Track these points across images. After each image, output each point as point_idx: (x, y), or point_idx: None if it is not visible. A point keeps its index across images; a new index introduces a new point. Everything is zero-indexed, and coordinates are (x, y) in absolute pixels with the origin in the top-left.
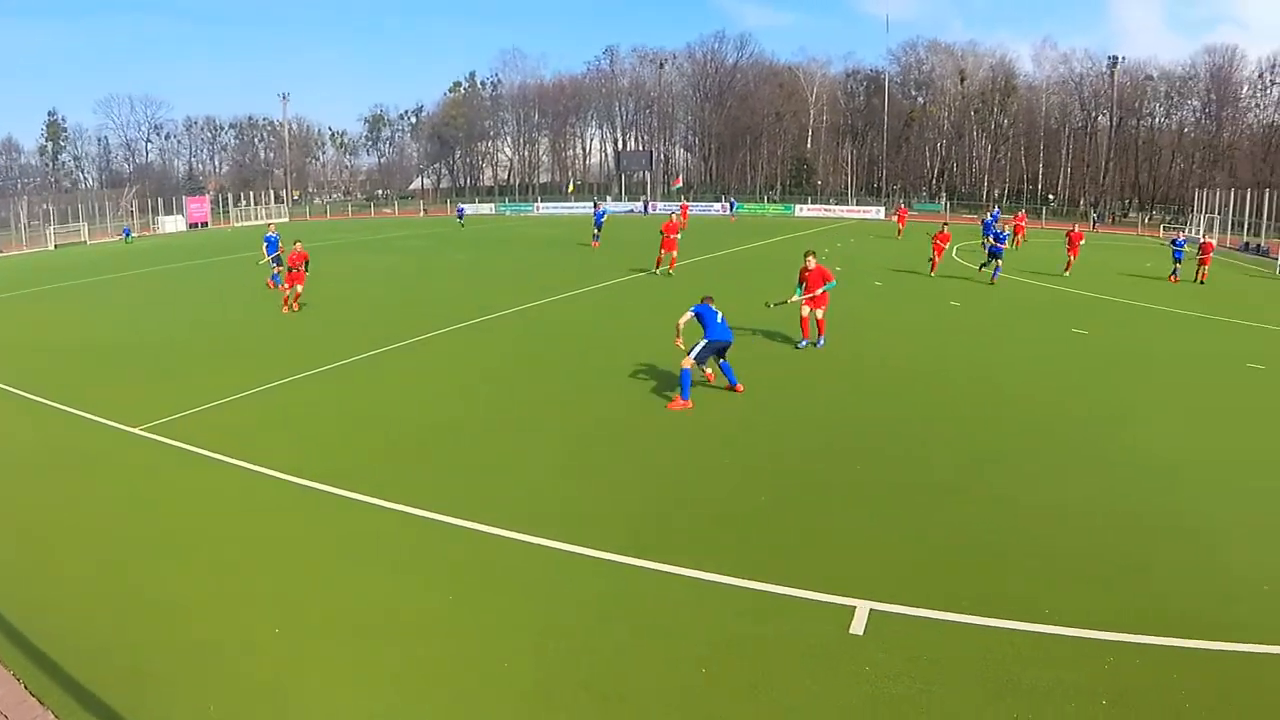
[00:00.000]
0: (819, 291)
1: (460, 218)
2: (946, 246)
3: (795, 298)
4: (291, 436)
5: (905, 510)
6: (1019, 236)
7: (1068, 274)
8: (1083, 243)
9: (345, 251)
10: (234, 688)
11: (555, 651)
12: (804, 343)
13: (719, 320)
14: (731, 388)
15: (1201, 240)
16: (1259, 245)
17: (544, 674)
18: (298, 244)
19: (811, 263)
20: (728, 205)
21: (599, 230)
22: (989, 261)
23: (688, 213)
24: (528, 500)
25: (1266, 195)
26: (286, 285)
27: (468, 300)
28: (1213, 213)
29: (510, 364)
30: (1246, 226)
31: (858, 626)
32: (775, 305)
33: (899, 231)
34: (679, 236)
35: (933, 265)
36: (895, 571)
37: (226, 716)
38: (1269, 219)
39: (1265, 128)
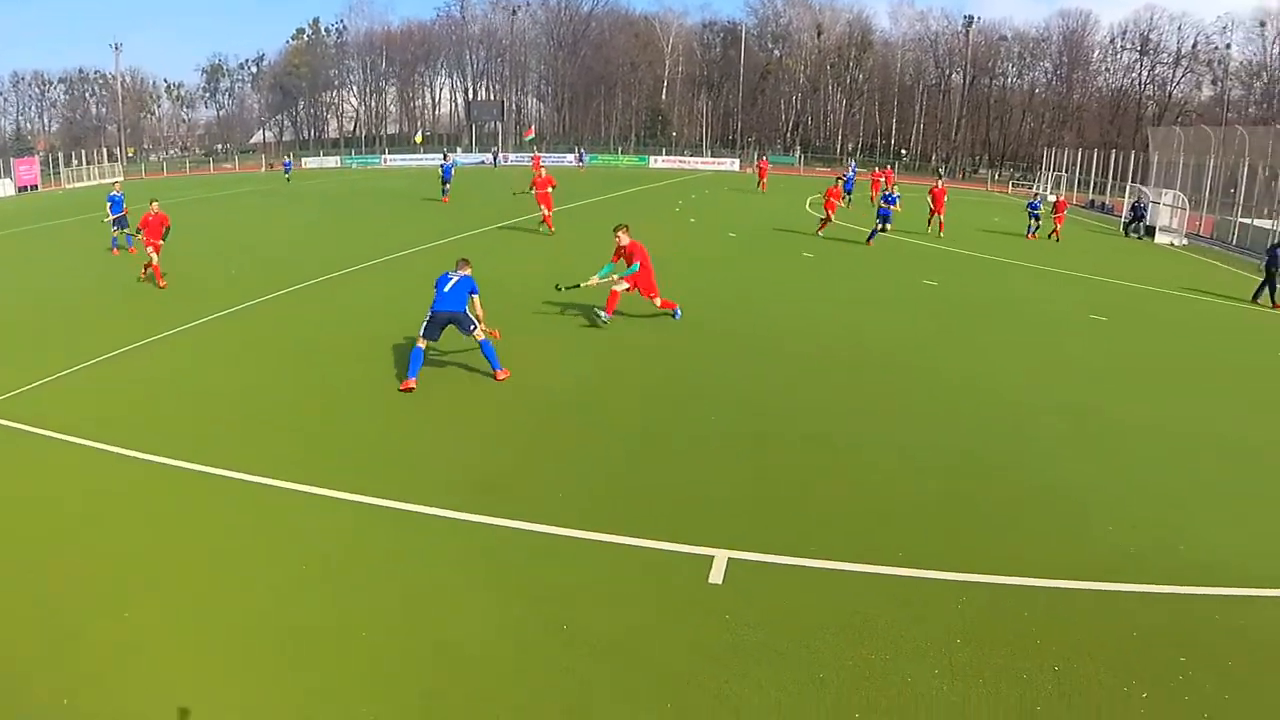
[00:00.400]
0: (627, 273)
1: (287, 171)
2: (840, 205)
3: (595, 280)
4: (129, 409)
5: (762, 460)
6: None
7: (942, 234)
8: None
9: (183, 210)
10: (84, 672)
11: (408, 613)
12: (603, 316)
13: (446, 289)
14: (493, 373)
15: (1056, 199)
16: (1104, 203)
17: (391, 637)
18: (154, 204)
19: (624, 239)
20: (579, 155)
21: (448, 184)
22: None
23: (540, 164)
24: (371, 464)
25: (1112, 156)
26: (150, 250)
27: (309, 259)
28: (1060, 171)
29: (352, 325)
30: (1093, 185)
31: (716, 576)
32: (566, 289)
33: (760, 185)
34: (551, 192)
35: (822, 224)
36: (753, 521)
37: (81, 701)
38: (1114, 178)
39: (1114, 91)
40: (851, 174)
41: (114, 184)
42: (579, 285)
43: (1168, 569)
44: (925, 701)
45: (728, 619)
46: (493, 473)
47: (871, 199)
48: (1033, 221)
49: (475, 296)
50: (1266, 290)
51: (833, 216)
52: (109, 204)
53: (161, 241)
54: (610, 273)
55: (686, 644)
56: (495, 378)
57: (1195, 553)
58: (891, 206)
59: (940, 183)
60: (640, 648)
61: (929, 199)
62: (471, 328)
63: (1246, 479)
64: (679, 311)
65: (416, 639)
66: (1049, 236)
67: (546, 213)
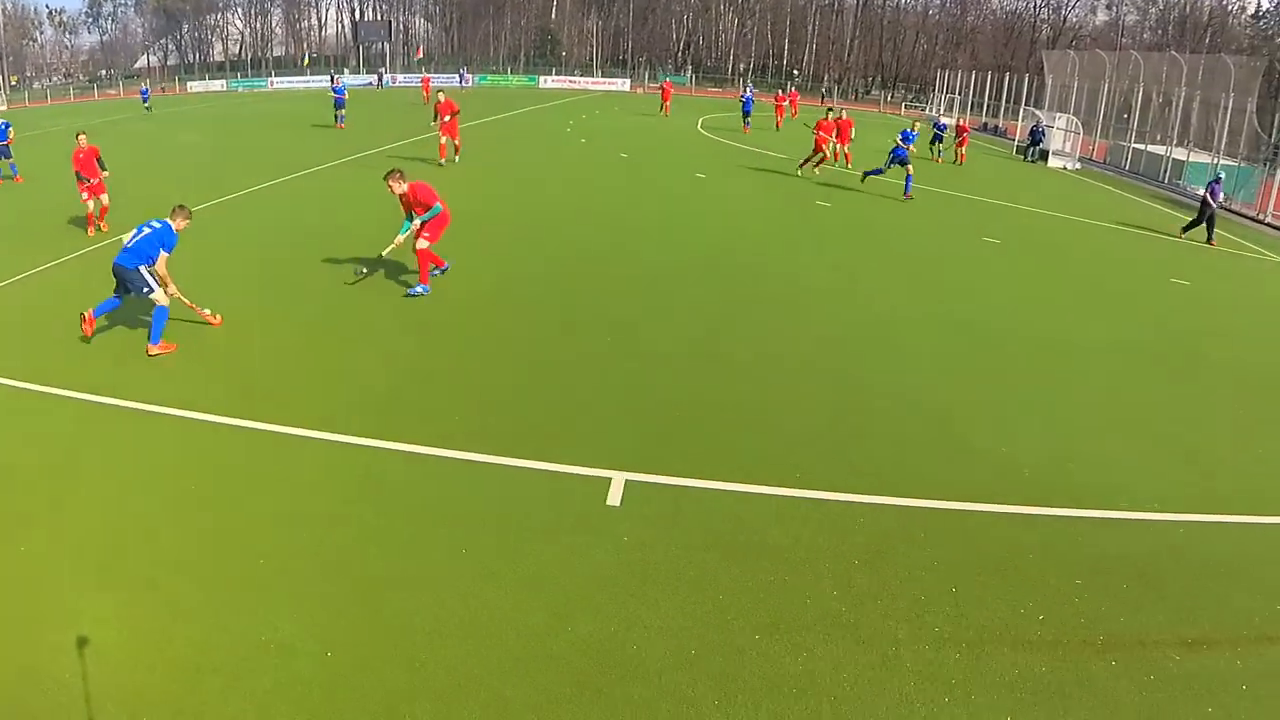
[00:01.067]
0: (427, 218)
1: (145, 100)
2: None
3: (399, 240)
4: (22, 340)
5: (655, 380)
6: (785, 114)
7: (850, 166)
8: (853, 131)
9: (66, 139)
10: None
11: (303, 540)
12: (417, 289)
13: (131, 242)
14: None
15: (957, 122)
16: (997, 126)
17: (294, 562)
18: (81, 138)
19: (399, 186)
20: (461, 76)
21: (341, 110)
22: (891, 166)
23: (430, 86)
24: (270, 390)
25: (1006, 78)
26: (88, 198)
27: (200, 182)
28: (954, 94)
29: (243, 252)
30: (986, 108)
31: (614, 498)
32: (366, 273)
33: (663, 108)
34: (454, 118)
35: (810, 161)
36: (648, 442)
37: None
38: (1007, 101)
39: (1008, 14)
40: (749, 96)
41: None
42: (381, 256)
43: (1060, 491)
44: (824, 623)
45: (625, 540)
46: (383, 395)
47: (778, 125)
48: (937, 145)
49: (165, 255)
50: (1204, 226)
51: (826, 152)
52: None
53: (105, 175)
54: (410, 228)
55: (583, 564)
56: (149, 351)
57: (1087, 475)
58: (908, 146)
59: (844, 113)
60: (538, 568)
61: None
62: (146, 290)
63: (1132, 398)
64: (421, 288)
65: (315, 560)
66: (956, 163)
67: (443, 141)
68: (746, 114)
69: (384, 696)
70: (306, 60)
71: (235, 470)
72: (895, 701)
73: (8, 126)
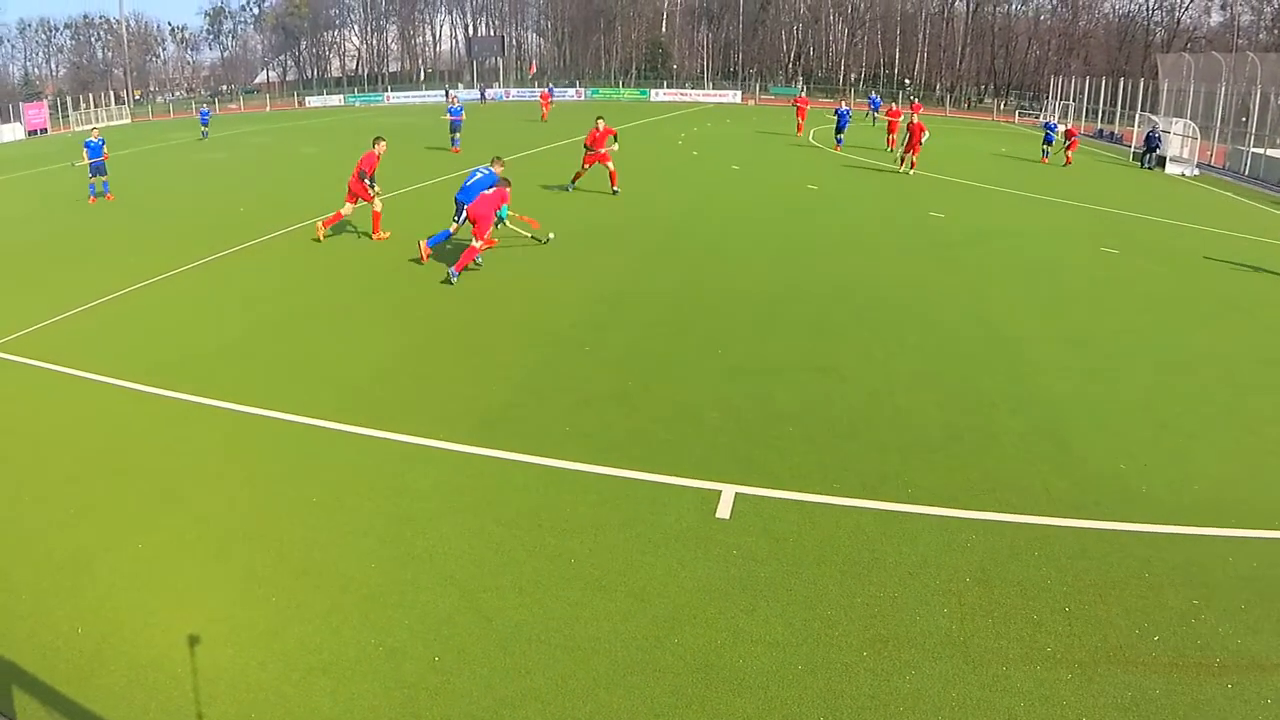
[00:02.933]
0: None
1: (204, 123)
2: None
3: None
4: (139, 345)
5: (766, 392)
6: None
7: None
8: (925, 138)
9: (196, 148)
10: (99, 604)
11: (414, 546)
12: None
13: (470, 181)
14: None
15: (1068, 126)
16: (1112, 132)
17: (404, 568)
18: (380, 145)
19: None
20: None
21: (457, 133)
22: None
23: (549, 101)
24: (376, 396)
25: (1120, 83)
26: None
27: (318, 195)
28: (1067, 99)
29: (356, 259)
30: (1101, 114)
31: (724, 511)
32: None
33: (798, 128)
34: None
35: (907, 160)
36: (759, 454)
37: (94, 634)
38: (1122, 106)
39: (1121, 17)
40: (845, 110)
41: (91, 130)
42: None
43: (1179, 509)
44: (934, 640)
45: (735, 554)
46: (495, 404)
47: (890, 144)
48: (1046, 146)
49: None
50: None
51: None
52: (85, 150)
53: (370, 183)
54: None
55: (692, 577)
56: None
57: (1207, 492)
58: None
59: (915, 118)
60: (646, 581)
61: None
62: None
63: (1258, 413)
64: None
65: (425, 566)
66: (1063, 165)
67: (612, 169)
68: (841, 130)
69: (490, 704)
70: (423, 75)
71: (350, 476)
72: None
73: (102, 144)
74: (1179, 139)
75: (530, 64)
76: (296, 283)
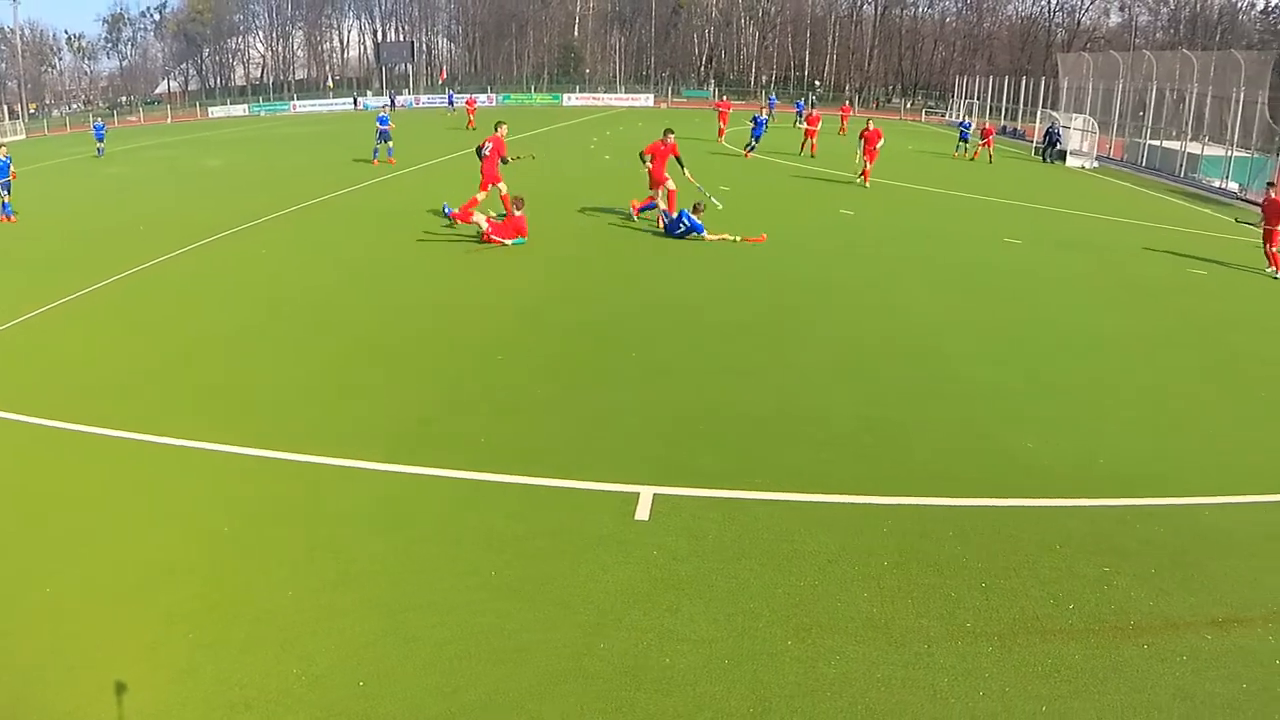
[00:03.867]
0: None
1: (99, 138)
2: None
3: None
4: (38, 377)
5: (682, 394)
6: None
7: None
8: (881, 144)
9: (93, 165)
10: (9, 655)
11: (328, 570)
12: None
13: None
14: None
15: (985, 125)
16: (1015, 129)
17: (322, 594)
18: (502, 128)
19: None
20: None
21: (388, 142)
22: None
23: (475, 107)
24: (288, 419)
25: (1023, 82)
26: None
27: (223, 211)
28: (972, 98)
29: (264, 278)
30: (1004, 111)
31: (642, 513)
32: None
33: (719, 133)
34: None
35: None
36: (676, 455)
37: (8, 686)
38: (1024, 104)
39: (1023, 18)
40: (762, 119)
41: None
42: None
43: (1087, 482)
44: (856, 624)
45: (655, 554)
46: (410, 424)
47: (813, 151)
48: (962, 143)
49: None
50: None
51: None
52: None
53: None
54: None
55: (614, 581)
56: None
57: (1113, 465)
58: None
59: (871, 124)
60: (568, 587)
61: (861, 141)
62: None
63: (1156, 387)
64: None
65: (342, 590)
66: (970, 159)
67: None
68: (756, 138)
69: None
70: (331, 83)
71: (264, 503)
72: (929, 699)
73: (9, 162)
74: (1079, 133)
75: (441, 70)
76: (202, 304)
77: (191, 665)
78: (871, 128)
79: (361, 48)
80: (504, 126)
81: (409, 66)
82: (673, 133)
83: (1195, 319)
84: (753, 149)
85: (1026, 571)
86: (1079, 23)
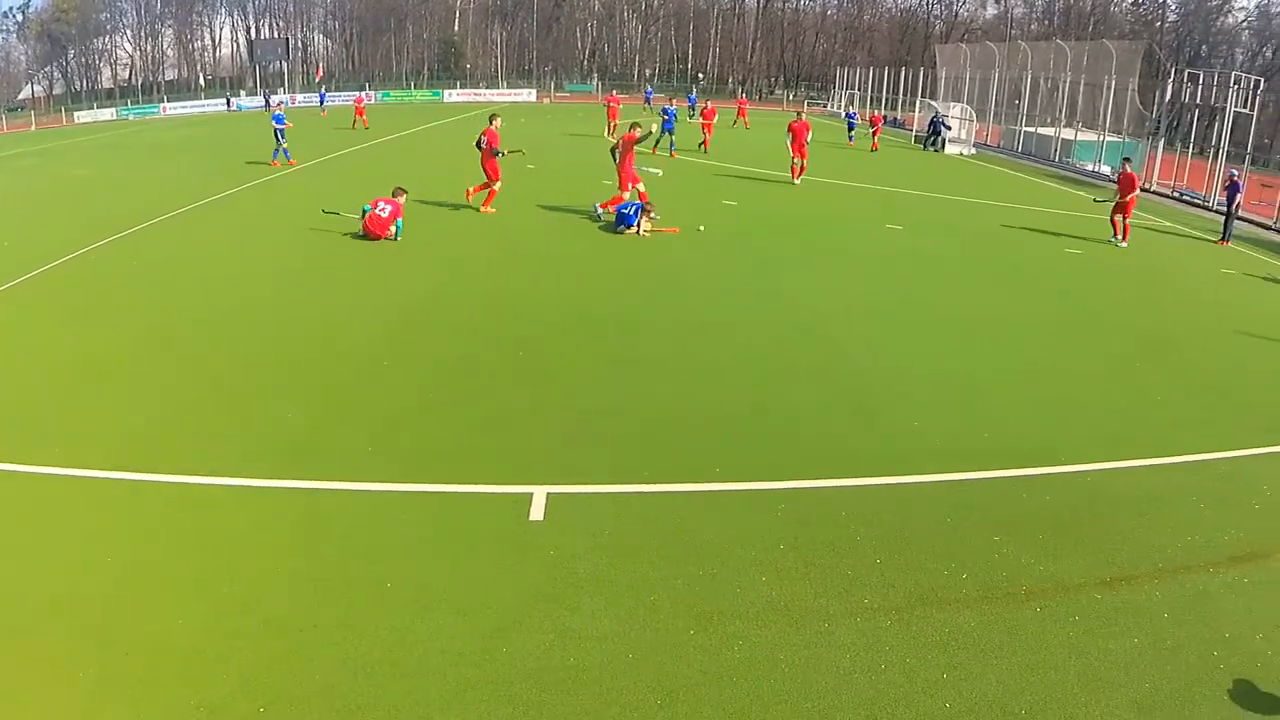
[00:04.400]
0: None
1: None
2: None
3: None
4: None
5: (572, 391)
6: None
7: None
8: (809, 137)
9: None
10: None
11: (224, 595)
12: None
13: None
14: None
15: (872, 114)
16: (896, 118)
17: (220, 620)
18: (496, 121)
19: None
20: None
21: (284, 142)
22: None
23: (363, 105)
24: (172, 440)
25: (903, 73)
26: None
27: (93, 223)
28: (854, 89)
29: (141, 292)
30: (884, 102)
31: (537, 513)
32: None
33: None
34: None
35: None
36: (570, 453)
37: None
38: (905, 94)
39: (903, 11)
40: (672, 110)
41: None
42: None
43: (973, 455)
44: (756, 609)
45: (552, 554)
46: (297, 437)
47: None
48: (851, 132)
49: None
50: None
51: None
52: None
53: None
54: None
55: (512, 583)
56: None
57: (997, 438)
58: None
59: (802, 115)
60: (467, 595)
61: (790, 134)
62: None
63: (1033, 360)
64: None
65: (240, 616)
66: (871, 150)
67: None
68: (668, 131)
69: None
70: (203, 83)
71: (153, 528)
72: (834, 676)
73: None
74: (957, 122)
75: (318, 67)
76: (71, 325)
77: (88, 708)
78: (801, 120)
79: (234, 45)
80: (498, 120)
81: (284, 64)
82: (639, 126)
83: (1070, 295)
84: (674, 146)
85: (920, 546)
86: (956, 15)
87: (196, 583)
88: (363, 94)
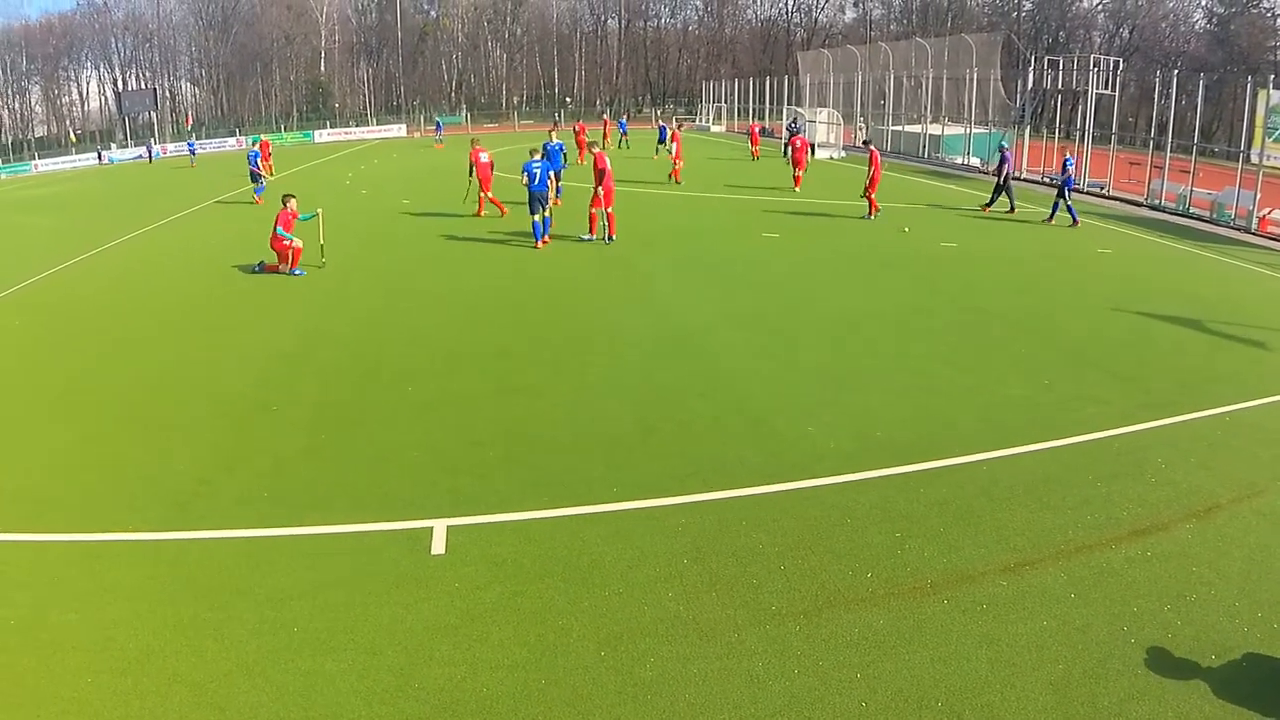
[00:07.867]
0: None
1: None
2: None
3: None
4: None
5: (463, 421)
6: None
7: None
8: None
9: None
10: None
11: (129, 650)
12: None
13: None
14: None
15: (751, 125)
16: (765, 127)
17: (120, 678)
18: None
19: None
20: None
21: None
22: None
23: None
24: (53, 496)
25: (767, 82)
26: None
27: None
28: (720, 102)
29: (10, 348)
30: (751, 112)
31: (438, 546)
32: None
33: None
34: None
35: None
36: (465, 484)
37: None
38: (770, 103)
39: (763, 21)
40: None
41: None
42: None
43: (866, 455)
44: (665, 625)
45: (457, 586)
46: (185, 486)
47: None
48: (660, 145)
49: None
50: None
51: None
52: None
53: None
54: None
55: (417, 618)
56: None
57: (889, 436)
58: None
59: (680, 127)
60: (374, 635)
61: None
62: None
63: (918, 356)
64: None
65: (145, 671)
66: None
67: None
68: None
69: None
70: (74, 138)
71: (44, 588)
72: (747, 685)
73: None
74: (825, 126)
75: (187, 116)
76: None
77: None
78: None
79: (102, 98)
80: (477, 144)
81: (153, 114)
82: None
83: (944, 289)
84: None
85: (822, 548)
86: (816, 21)
87: (94, 641)
88: (267, 139)
